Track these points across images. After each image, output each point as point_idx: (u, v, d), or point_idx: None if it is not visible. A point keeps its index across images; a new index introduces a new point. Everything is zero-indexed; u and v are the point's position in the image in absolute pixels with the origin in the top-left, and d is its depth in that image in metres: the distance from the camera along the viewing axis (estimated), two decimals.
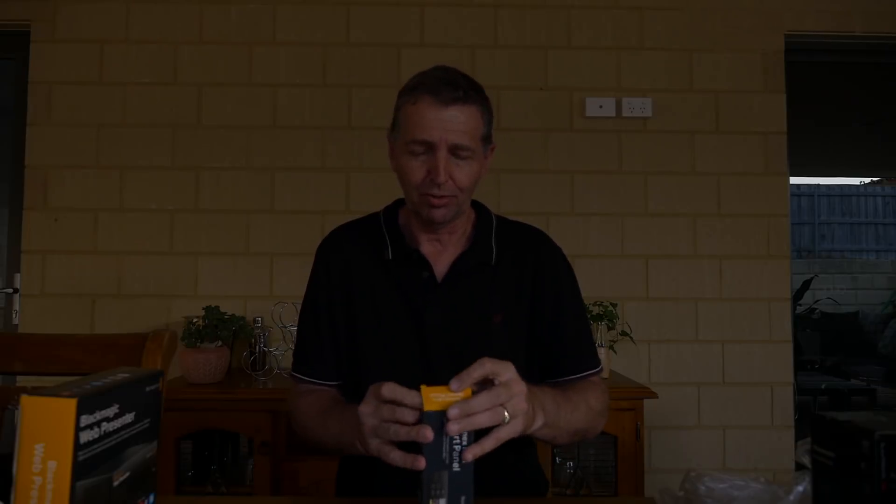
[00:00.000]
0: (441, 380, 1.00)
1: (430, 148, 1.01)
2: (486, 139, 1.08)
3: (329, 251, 1.16)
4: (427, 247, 1.11)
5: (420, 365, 1.07)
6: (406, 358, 1.08)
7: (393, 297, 1.10)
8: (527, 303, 1.12)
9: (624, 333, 2.33)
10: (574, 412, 0.96)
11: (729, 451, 2.41)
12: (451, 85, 1.01)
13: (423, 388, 0.77)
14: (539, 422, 0.85)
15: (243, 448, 2.20)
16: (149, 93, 2.46)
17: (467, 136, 1.01)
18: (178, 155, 2.44)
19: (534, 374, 1.14)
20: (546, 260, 1.14)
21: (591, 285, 2.37)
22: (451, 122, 1.00)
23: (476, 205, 1.18)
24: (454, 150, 1.01)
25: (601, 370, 1.14)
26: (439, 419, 0.74)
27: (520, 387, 0.80)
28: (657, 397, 2.00)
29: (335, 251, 1.15)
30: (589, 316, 2.17)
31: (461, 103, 1.01)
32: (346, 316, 1.11)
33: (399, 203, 1.18)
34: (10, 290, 2.44)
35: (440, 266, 1.10)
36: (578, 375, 1.10)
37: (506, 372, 0.79)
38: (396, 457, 0.78)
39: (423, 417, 0.75)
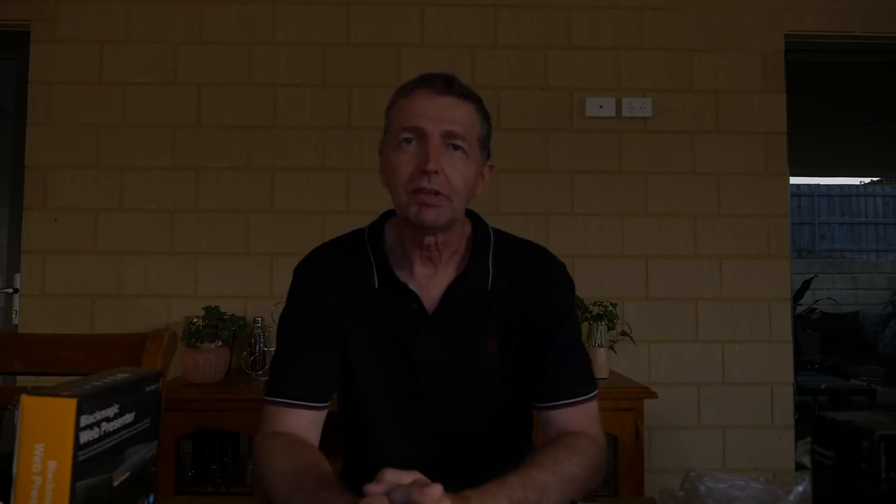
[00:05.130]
0: (434, 414, 1.03)
1: (421, 136, 0.94)
2: (484, 144, 1.02)
3: (312, 271, 1.06)
4: (419, 269, 1.02)
5: (413, 399, 1.02)
6: (399, 391, 1.02)
7: (382, 329, 1.02)
8: (517, 329, 1.03)
9: (624, 333, 2.33)
10: (544, 497, 0.82)
11: (729, 451, 2.41)
12: (446, 80, 0.98)
13: None
14: None
15: (243, 448, 2.20)
16: (149, 93, 2.46)
17: (462, 126, 0.96)
18: (178, 155, 2.44)
19: (522, 405, 1.08)
20: (541, 282, 1.05)
21: (591, 285, 2.37)
22: (445, 110, 0.95)
23: (472, 217, 1.08)
24: (447, 139, 0.95)
25: (594, 396, 1.03)
26: None
27: None
28: (657, 397, 2.00)
29: (319, 270, 1.05)
30: (589, 316, 2.17)
31: (457, 96, 0.97)
32: (339, 340, 1.03)
33: (386, 217, 1.09)
34: (10, 290, 2.44)
35: (432, 292, 1.02)
36: (567, 401, 1.00)
37: None
38: None
39: None
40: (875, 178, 8.56)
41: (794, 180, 4.79)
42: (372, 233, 1.07)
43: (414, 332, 1.02)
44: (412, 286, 1.02)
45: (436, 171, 0.93)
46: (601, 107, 2.48)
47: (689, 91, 2.50)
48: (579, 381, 1.02)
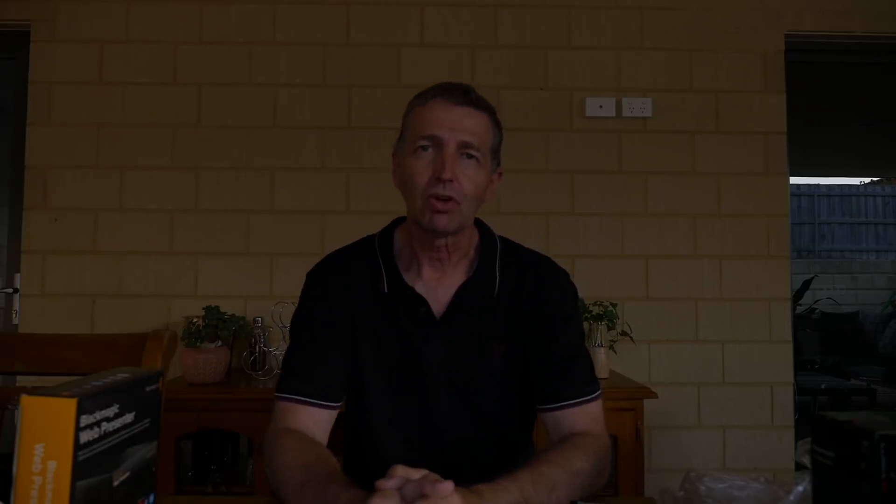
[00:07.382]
0: (439, 416, 1.04)
1: (438, 144, 0.98)
2: (495, 153, 1.05)
3: (326, 275, 1.09)
4: (427, 271, 1.06)
5: (420, 401, 1.05)
6: (406, 394, 1.05)
7: (391, 333, 1.05)
8: (521, 333, 1.06)
9: (624, 333, 2.33)
10: (552, 492, 0.84)
11: (729, 451, 2.41)
12: (463, 91, 1.01)
13: None
14: None
15: (243, 448, 2.20)
16: (149, 93, 2.46)
17: (476, 137, 1.00)
18: (178, 155, 2.44)
19: (523, 409, 1.10)
20: (544, 287, 1.08)
21: (591, 285, 2.37)
22: (461, 120, 0.99)
23: (480, 225, 1.12)
24: (462, 149, 0.98)
25: (598, 396, 1.04)
26: None
27: None
28: (657, 397, 2.00)
29: (333, 276, 1.08)
30: (589, 316, 2.17)
31: (472, 106, 1.01)
32: (350, 341, 1.05)
33: (396, 223, 1.13)
34: (10, 290, 2.44)
35: (440, 296, 1.05)
36: (570, 402, 1.01)
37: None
38: None
39: None
40: (875, 178, 8.56)
41: (794, 180, 4.79)
42: (382, 239, 1.10)
43: (422, 336, 1.04)
44: (420, 289, 1.05)
45: (450, 180, 0.97)
46: (601, 107, 2.48)
47: (689, 91, 2.50)
48: (582, 382, 1.04)
